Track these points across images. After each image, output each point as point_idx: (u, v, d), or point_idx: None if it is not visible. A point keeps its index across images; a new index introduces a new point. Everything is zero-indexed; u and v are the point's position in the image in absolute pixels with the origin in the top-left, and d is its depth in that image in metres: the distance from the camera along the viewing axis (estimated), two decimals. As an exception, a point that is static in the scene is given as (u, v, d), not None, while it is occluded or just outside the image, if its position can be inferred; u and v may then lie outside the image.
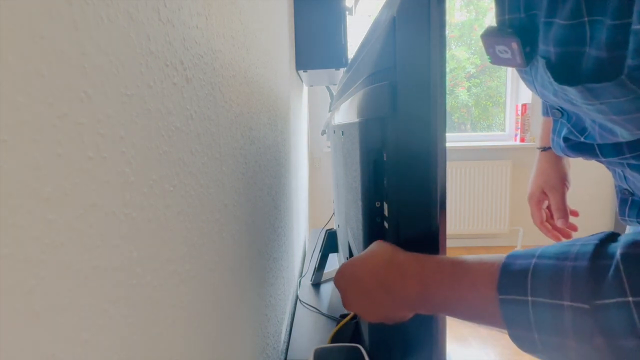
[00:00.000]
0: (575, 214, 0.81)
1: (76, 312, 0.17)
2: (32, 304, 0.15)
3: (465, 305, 0.33)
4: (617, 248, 0.28)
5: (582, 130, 0.51)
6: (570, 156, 0.57)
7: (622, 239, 0.29)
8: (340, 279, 0.43)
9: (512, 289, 0.30)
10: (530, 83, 0.47)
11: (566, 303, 0.28)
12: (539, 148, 0.83)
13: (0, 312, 0.13)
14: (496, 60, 0.45)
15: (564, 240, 0.80)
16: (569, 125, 0.54)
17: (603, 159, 0.50)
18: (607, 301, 0.26)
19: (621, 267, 0.26)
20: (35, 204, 0.15)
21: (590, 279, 0.27)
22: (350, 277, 0.42)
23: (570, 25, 0.34)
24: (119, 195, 0.21)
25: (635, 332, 0.25)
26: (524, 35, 0.41)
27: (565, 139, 0.55)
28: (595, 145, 0.49)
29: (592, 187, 3.00)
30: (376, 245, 0.41)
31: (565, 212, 0.79)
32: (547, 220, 0.83)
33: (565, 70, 0.36)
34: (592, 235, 0.30)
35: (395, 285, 0.37)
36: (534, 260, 0.31)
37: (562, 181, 0.80)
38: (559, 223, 0.79)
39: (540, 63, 0.39)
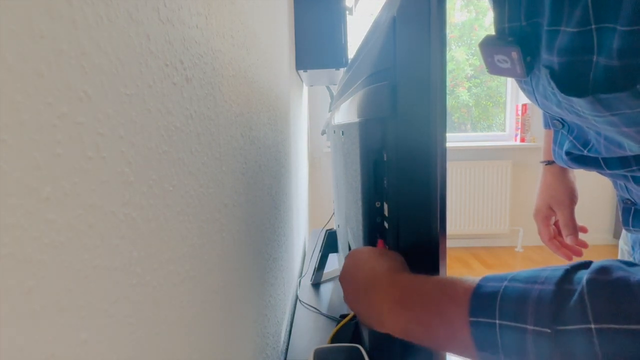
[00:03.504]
0: (584, 230, 0.77)
1: (76, 312, 0.17)
2: (32, 304, 0.15)
3: (437, 323, 0.33)
4: (585, 274, 0.27)
5: (585, 143, 0.49)
6: (572, 168, 0.55)
7: (592, 265, 0.28)
8: (350, 257, 0.45)
9: (482, 311, 0.30)
10: (531, 94, 0.46)
11: (529, 327, 0.28)
12: (543, 162, 0.80)
13: (0, 312, 0.13)
14: (494, 70, 0.44)
15: (575, 258, 0.78)
16: (570, 138, 0.52)
17: (607, 172, 0.48)
18: (568, 327, 0.26)
19: (585, 292, 0.26)
20: (35, 204, 0.15)
21: (554, 304, 0.27)
22: (357, 263, 0.43)
23: (576, 33, 0.33)
24: (118, 195, 0.21)
25: (596, 359, 0.25)
26: (525, 44, 0.39)
27: (568, 153, 0.53)
28: (600, 159, 0.48)
29: (592, 191, 3.00)
30: (391, 252, 0.42)
31: (574, 229, 0.75)
32: (555, 237, 0.79)
33: (571, 81, 0.35)
34: (569, 263, 0.30)
35: (378, 289, 0.38)
36: (504, 284, 0.31)
37: (569, 196, 0.76)
38: (568, 240, 0.75)
39: (543, 73, 0.38)
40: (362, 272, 0.41)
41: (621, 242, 0.73)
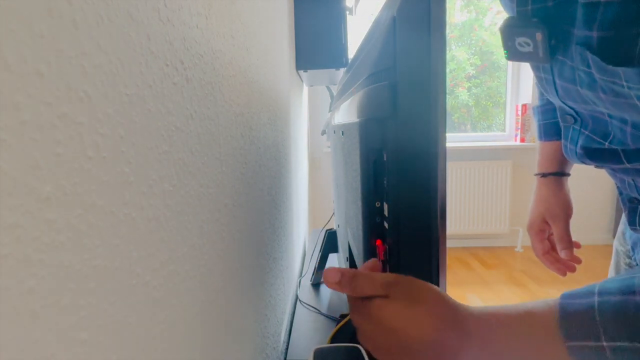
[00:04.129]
0: (577, 245, 0.75)
1: (76, 312, 0.17)
2: (32, 304, 0.15)
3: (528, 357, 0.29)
4: None
5: (605, 135, 0.47)
6: (586, 164, 0.53)
7: None
8: (364, 317, 0.35)
9: (579, 333, 0.27)
10: (549, 83, 0.44)
11: None
12: (537, 174, 0.78)
13: (0, 312, 0.13)
14: (514, 55, 0.43)
15: (568, 273, 0.74)
16: (586, 132, 0.50)
17: (625, 166, 0.46)
18: None
19: None
20: (35, 204, 0.15)
21: None
22: (385, 323, 0.33)
23: (622, 3, 0.31)
24: (118, 195, 0.21)
25: None
26: (550, 26, 0.38)
27: (584, 148, 0.51)
28: (620, 151, 0.46)
29: (592, 191, 3.00)
30: (427, 294, 0.34)
31: (569, 243, 0.73)
32: (548, 251, 0.77)
33: (616, 53, 0.33)
34: None
35: (451, 348, 0.31)
36: (596, 299, 0.27)
37: (564, 209, 0.74)
38: (562, 254, 0.73)
39: (577, 52, 0.36)
40: (413, 323, 0.32)
41: (616, 242, 0.72)
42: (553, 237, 0.76)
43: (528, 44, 0.40)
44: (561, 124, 0.56)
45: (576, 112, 0.50)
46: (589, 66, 0.36)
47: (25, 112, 0.14)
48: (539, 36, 0.39)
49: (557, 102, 0.51)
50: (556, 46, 0.39)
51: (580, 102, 0.43)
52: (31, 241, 0.15)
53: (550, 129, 0.74)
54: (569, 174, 0.76)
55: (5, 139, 0.13)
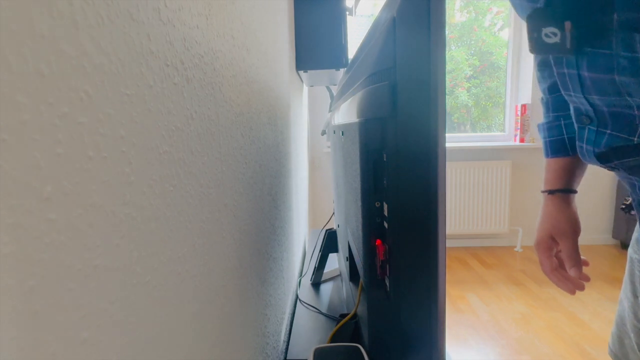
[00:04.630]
0: (586, 263, 0.74)
1: (76, 312, 0.17)
2: (32, 303, 0.15)
3: None
4: None
5: (632, 131, 0.46)
6: (602, 164, 0.53)
7: None
8: None
9: None
10: (572, 77, 0.43)
11: None
12: (544, 191, 0.76)
13: (0, 312, 0.13)
14: (538, 47, 0.42)
15: (577, 291, 0.72)
16: (608, 131, 0.50)
17: None
18: None
19: None
20: (35, 204, 0.15)
21: None
22: None
23: None
24: (119, 194, 0.21)
25: None
26: (579, 15, 0.37)
27: (610, 147, 0.50)
28: None
29: (592, 192, 3.00)
30: None
31: (577, 260, 0.71)
32: (556, 269, 0.75)
33: None
34: None
35: None
36: None
37: (572, 226, 0.73)
38: (571, 272, 0.71)
39: (619, 37, 0.35)
40: None
41: (630, 250, 0.71)
42: (561, 254, 0.75)
43: (555, 34, 0.40)
44: (576, 125, 0.55)
45: (595, 111, 0.50)
46: (633, 50, 0.35)
47: (26, 112, 0.14)
48: (567, 25, 0.38)
49: (576, 101, 0.50)
50: (584, 37, 0.39)
51: (610, 94, 0.42)
52: (32, 241, 0.15)
53: (557, 145, 0.73)
54: (576, 191, 0.75)
55: (6, 139, 0.13)
